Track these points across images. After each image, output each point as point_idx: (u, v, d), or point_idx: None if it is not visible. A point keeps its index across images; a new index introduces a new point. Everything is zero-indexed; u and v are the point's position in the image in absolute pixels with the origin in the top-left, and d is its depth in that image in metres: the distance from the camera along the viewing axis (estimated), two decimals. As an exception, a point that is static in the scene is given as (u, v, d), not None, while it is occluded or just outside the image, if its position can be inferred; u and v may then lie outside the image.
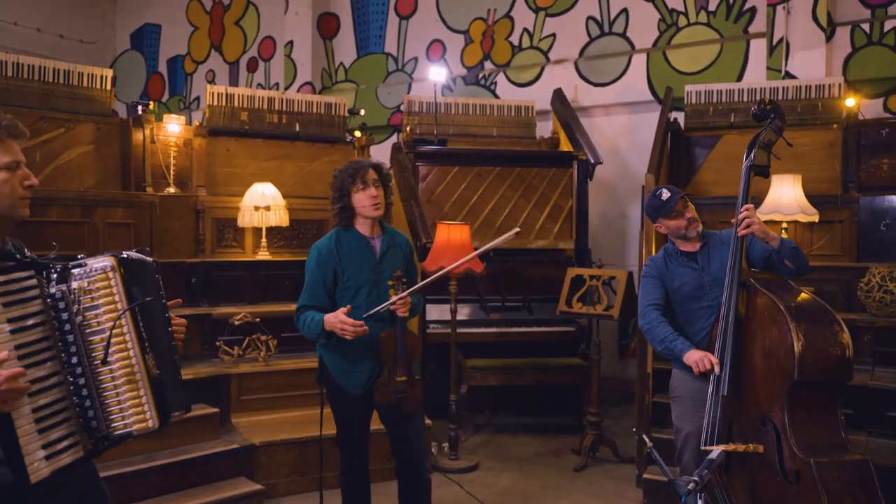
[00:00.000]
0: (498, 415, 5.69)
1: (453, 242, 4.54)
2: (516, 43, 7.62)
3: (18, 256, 1.70)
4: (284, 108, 5.82)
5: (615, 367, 6.64)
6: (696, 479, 2.00)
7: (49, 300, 1.68)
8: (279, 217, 5.19)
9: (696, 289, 3.06)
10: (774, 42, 6.11)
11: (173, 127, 5.32)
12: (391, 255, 3.10)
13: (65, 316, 1.69)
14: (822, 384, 2.62)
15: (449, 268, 3.28)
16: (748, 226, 2.82)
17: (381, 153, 6.91)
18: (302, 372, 4.53)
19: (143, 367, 1.73)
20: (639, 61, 6.94)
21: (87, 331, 1.71)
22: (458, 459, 4.70)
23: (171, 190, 5.24)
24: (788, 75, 5.99)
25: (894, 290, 4.31)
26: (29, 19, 9.37)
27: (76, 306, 1.70)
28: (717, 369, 2.74)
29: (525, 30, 7.56)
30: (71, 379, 1.70)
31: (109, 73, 5.30)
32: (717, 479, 2.77)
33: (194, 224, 5.25)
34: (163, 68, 10.19)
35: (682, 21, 6.75)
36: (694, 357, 2.81)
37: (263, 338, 4.67)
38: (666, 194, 3.07)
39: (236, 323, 4.67)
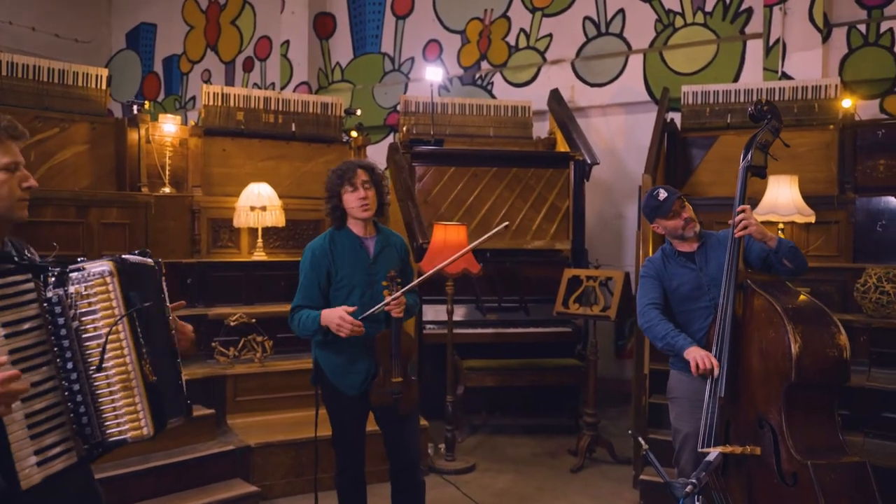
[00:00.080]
0: (494, 416, 5.68)
1: (450, 243, 4.52)
2: (513, 43, 7.61)
3: (16, 259, 1.68)
4: (280, 108, 5.80)
5: (612, 367, 6.63)
6: (693, 481, 1.99)
7: (46, 304, 1.67)
8: (275, 217, 5.17)
9: (693, 289, 3.05)
10: (771, 43, 6.11)
11: (169, 127, 5.30)
12: (385, 256, 3.09)
13: (61, 321, 1.68)
14: (819, 386, 2.62)
15: (440, 265, 3.27)
16: (745, 227, 2.81)
17: (377, 153, 6.89)
18: (298, 373, 4.51)
19: (139, 374, 1.71)
20: (635, 62, 6.93)
21: (84, 336, 1.69)
22: (454, 461, 4.69)
23: (167, 190, 5.22)
24: (785, 76, 5.99)
25: (890, 291, 4.31)
26: (24, 18, 9.33)
27: (73, 311, 1.68)
28: (716, 371, 2.73)
29: (522, 30, 7.55)
30: (66, 384, 1.68)
31: (105, 72, 5.28)
32: (714, 482, 2.77)
33: (190, 224, 5.23)
34: (158, 68, 10.15)
35: (678, 21, 6.75)
36: (694, 354, 2.79)
37: (259, 339, 4.66)
38: (663, 194, 3.07)
39: (232, 324, 4.66)
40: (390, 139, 7.81)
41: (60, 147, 4.95)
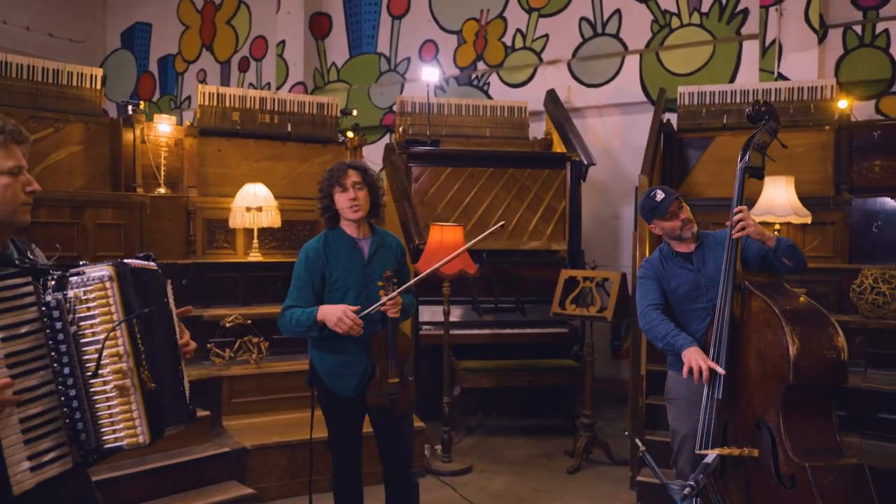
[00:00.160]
0: (491, 417, 5.68)
1: (446, 244, 4.51)
2: (509, 43, 7.60)
3: (18, 262, 1.67)
4: (276, 108, 5.78)
5: (608, 368, 6.63)
6: (691, 483, 1.99)
7: (44, 308, 1.65)
8: (271, 218, 5.15)
9: (692, 290, 3.04)
10: (767, 43, 6.12)
11: (164, 127, 5.28)
12: (380, 257, 3.07)
13: (59, 325, 1.66)
14: (817, 388, 2.61)
15: (436, 265, 3.25)
16: (743, 228, 2.81)
17: (373, 154, 6.88)
18: (293, 374, 4.50)
19: (136, 381, 1.69)
20: (632, 62, 6.94)
21: (82, 341, 1.67)
22: (451, 462, 4.68)
23: (162, 190, 5.19)
24: (781, 77, 6.00)
25: (886, 292, 4.31)
26: (18, 18, 9.29)
27: (71, 315, 1.66)
28: (720, 370, 2.71)
29: (518, 30, 7.54)
30: (62, 389, 1.66)
31: (99, 72, 5.25)
32: (712, 484, 2.76)
33: (185, 225, 5.20)
34: (153, 68, 10.12)
35: (675, 22, 6.76)
36: (689, 356, 2.77)
37: (255, 340, 4.64)
38: (660, 195, 3.06)
39: (227, 325, 4.64)
40: (386, 139, 7.79)
41: (55, 147, 4.92)
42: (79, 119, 5.05)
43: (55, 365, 1.66)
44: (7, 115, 1.92)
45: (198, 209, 5.24)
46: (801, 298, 2.77)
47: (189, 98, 9.67)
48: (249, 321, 4.68)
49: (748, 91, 5.62)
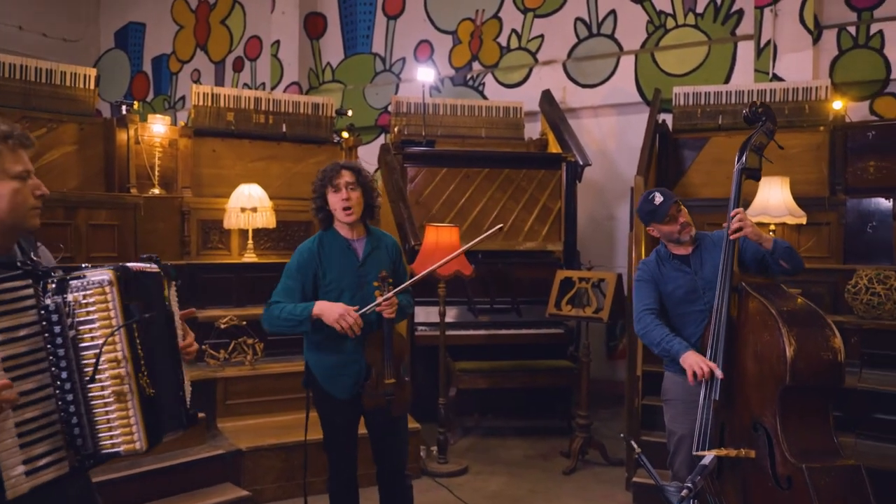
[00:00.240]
0: (487, 418, 5.67)
1: (442, 245, 4.50)
2: (504, 44, 7.60)
3: (19, 264, 1.65)
4: (271, 109, 5.77)
5: (603, 368, 6.63)
6: (689, 485, 1.98)
7: (43, 311, 1.64)
8: (266, 219, 5.14)
9: (689, 292, 3.04)
10: (762, 44, 6.13)
11: (158, 127, 5.26)
12: (375, 258, 3.06)
13: (57, 329, 1.64)
14: (813, 389, 2.62)
15: (432, 267, 3.24)
16: (740, 229, 2.81)
17: (368, 154, 6.86)
18: (288, 376, 4.48)
19: (134, 387, 1.68)
20: (627, 63, 6.94)
21: (81, 345, 1.66)
22: (446, 463, 4.67)
23: (156, 191, 5.17)
24: (776, 77, 6.01)
25: (881, 292, 4.32)
26: (10, 17, 9.24)
27: (70, 319, 1.65)
28: (718, 374, 2.71)
29: (513, 31, 7.54)
30: (59, 394, 1.65)
31: (93, 72, 5.23)
32: (709, 485, 2.76)
33: (179, 226, 5.19)
34: (147, 68, 10.08)
35: (670, 23, 6.76)
36: (690, 361, 2.78)
37: (250, 341, 4.62)
38: (659, 199, 3.04)
39: (222, 326, 4.62)
40: (381, 140, 7.78)
41: (48, 147, 4.90)
42: (72, 119, 5.03)
43: (53, 369, 1.65)
44: (-1, 115, 1.91)
45: (192, 210, 5.22)
46: (798, 300, 2.77)
47: (183, 98, 9.64)
48: (244, 322, 4.66)
49: (743, 92, 5.63)
